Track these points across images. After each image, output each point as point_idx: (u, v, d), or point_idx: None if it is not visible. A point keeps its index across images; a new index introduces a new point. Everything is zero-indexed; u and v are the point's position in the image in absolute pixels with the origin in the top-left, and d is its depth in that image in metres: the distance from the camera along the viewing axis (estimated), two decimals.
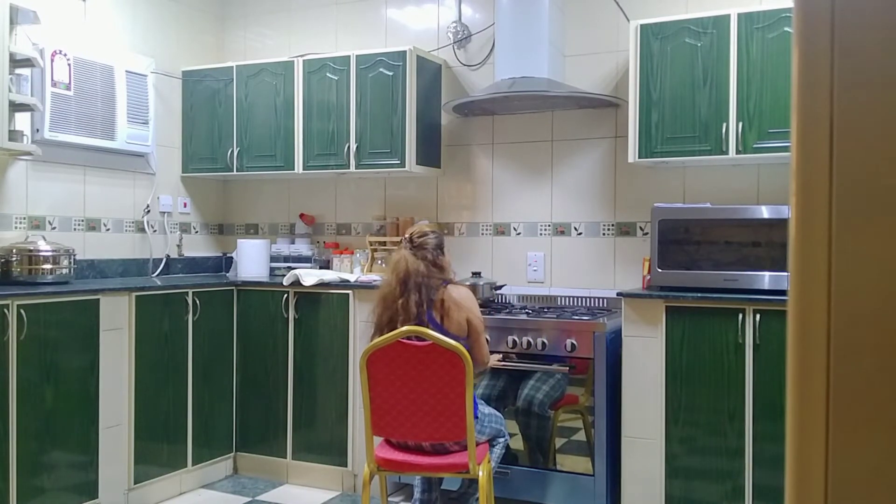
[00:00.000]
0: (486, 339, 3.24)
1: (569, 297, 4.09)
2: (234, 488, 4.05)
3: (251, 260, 4.52)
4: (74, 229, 4.09)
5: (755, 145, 3.42)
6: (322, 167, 4.32)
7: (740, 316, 3.20)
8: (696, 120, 3.52)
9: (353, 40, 4.61)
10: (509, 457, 3.46)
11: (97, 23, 4.22)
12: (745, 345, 3.20)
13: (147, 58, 4.42)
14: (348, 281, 4.02)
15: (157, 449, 3.80)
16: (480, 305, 3.24)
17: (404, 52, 4.10)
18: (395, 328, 2.85)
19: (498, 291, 4.10)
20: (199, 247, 4.88)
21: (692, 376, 3.30)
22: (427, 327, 2.85)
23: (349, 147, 4.22)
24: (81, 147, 4.02)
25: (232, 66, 4.57)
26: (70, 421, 3.38)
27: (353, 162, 4.21)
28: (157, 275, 4.50)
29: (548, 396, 3.53)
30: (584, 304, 4.04)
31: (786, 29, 3.35)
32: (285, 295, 4.10)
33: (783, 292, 2.95)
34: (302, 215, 4.74)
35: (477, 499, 3.00)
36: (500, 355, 3.51)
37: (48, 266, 3.60)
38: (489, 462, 3.01)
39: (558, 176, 4.18)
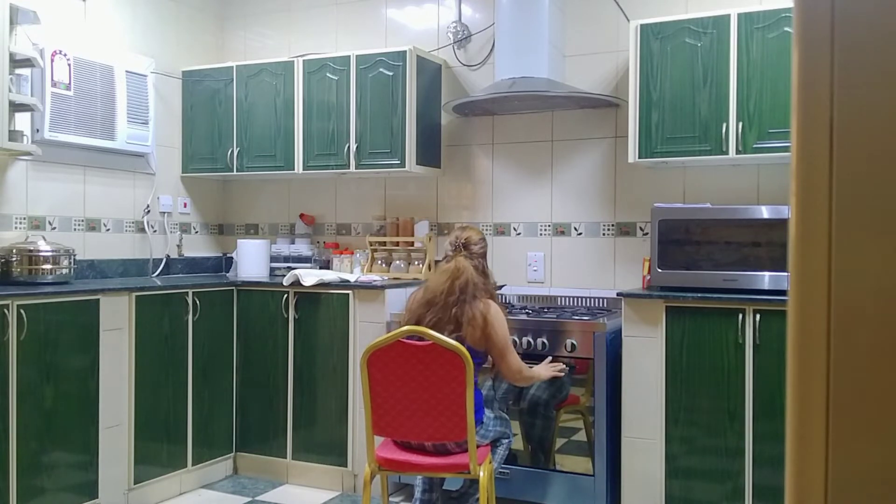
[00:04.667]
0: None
1: (569, 297, 4.09)
2: (234, 488, 4.05)
3: (251, 260, 4.52)
4: (74, 229, 4.09)
5: (755, 145, 3.42)
6: (322, 167, 4.32)
7: (740, 316, 3.20)
8: (696, 120, 3.52)
9: (353, 40, 4.61)
10: (509, 457, 3.46)
11: (97, 23, 4.22)
12: (745, 345, 3.20)
13: (147, 58, 4.42)
14: (348, 281, 4.02)
15: (157, 449, 3.80)
16: None
17: (404, 52, 4.10)
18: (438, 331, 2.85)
19: (498, 291, 4.09)
20: (199, 247, 4.88)
21: (692, 376, 3.30)
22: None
23: (349, 147, 4.22)
24: (81, 147, 4.02)
25: (232, 66, 4.57)
26: (70, 421, 3.38)
27: (353, 162, 4.21)
28: (157, 275, 4.50)
29: (552, 397, 3.54)
30: (584, 304, 4.04)
31: (786, 29, 3.35)
32: (285, 295, 4.10)
33: (783, 292, 2.96)
34: (302, 215, 4.74)
35: (477, 499, 3.00)
36: (562, 365, 3.32)
37: (48, 266, 3.60)
38: (490, 462, 3.01)
39: (558, 176, 4.18)
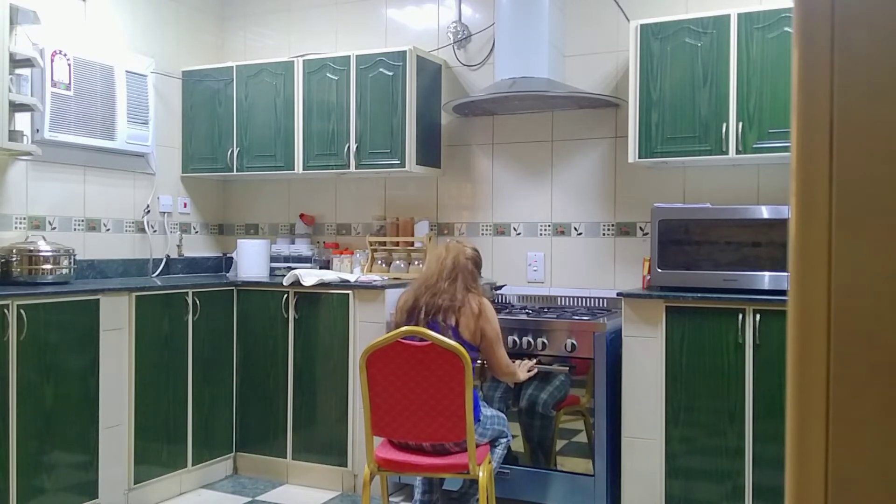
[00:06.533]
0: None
1: (569, 297, 4.09)
2: (234, 488, 4.05)
3: (251, 260, 4.52)
4: (74, 229, 4.09)
5: (755, 145, 3.42)
6: (322, 167, 4.32)
7: (740, 316, 3.20)
8: (696, 120, 3.52)
9: (353, 40, 4.61)
10: (510, 457, 3.46)
11: (97, 23, 4.22)
12: (745, 345, 3.20)
13: (147, 58, 4.42)
14: (348, 281, 4.02)
15: (157, 449, 3.79)
16: None
17: (404, 52, 4.10)
18: (430, 314, 2.96)
19: (498, 291, 4.10)
20: (199, 247, 4.88)
21: (692, 376, 3.30)
22: (443, 327, 2.91)
23: (349, 147, 4.22)
24: (81, 147, 4.02)
25: (232, 66, 4.57)
26: (70, 421, 3.38)
27: (353, 162, 4.21)
28: (157, 275, 4.50)
29: (552, 397, 3.53)
30: (584, 304, 4.04)
31: (786, 29, 3.35)
32: (285, 295, 4.10)
33: (783, 292, 2.96)
34: (302, 215, 4.74)
35: (477, 499, 3.00)
36: (534, 361, 3.44)
37: (48, 266, 3.60)
38: (490, 462, 3.01)
39: (558, 176, 4.18)
